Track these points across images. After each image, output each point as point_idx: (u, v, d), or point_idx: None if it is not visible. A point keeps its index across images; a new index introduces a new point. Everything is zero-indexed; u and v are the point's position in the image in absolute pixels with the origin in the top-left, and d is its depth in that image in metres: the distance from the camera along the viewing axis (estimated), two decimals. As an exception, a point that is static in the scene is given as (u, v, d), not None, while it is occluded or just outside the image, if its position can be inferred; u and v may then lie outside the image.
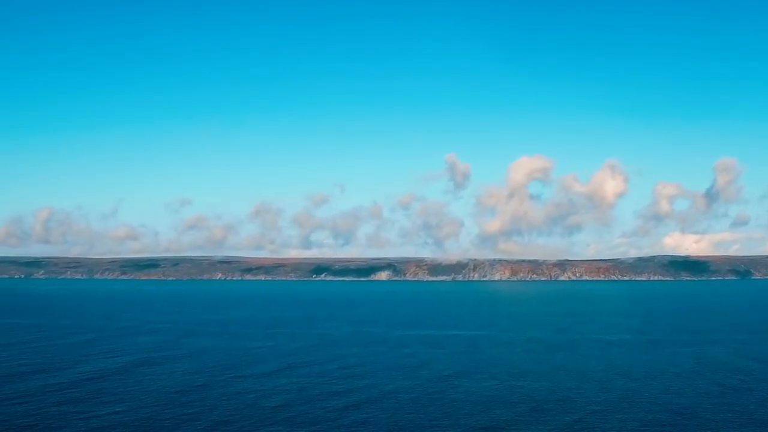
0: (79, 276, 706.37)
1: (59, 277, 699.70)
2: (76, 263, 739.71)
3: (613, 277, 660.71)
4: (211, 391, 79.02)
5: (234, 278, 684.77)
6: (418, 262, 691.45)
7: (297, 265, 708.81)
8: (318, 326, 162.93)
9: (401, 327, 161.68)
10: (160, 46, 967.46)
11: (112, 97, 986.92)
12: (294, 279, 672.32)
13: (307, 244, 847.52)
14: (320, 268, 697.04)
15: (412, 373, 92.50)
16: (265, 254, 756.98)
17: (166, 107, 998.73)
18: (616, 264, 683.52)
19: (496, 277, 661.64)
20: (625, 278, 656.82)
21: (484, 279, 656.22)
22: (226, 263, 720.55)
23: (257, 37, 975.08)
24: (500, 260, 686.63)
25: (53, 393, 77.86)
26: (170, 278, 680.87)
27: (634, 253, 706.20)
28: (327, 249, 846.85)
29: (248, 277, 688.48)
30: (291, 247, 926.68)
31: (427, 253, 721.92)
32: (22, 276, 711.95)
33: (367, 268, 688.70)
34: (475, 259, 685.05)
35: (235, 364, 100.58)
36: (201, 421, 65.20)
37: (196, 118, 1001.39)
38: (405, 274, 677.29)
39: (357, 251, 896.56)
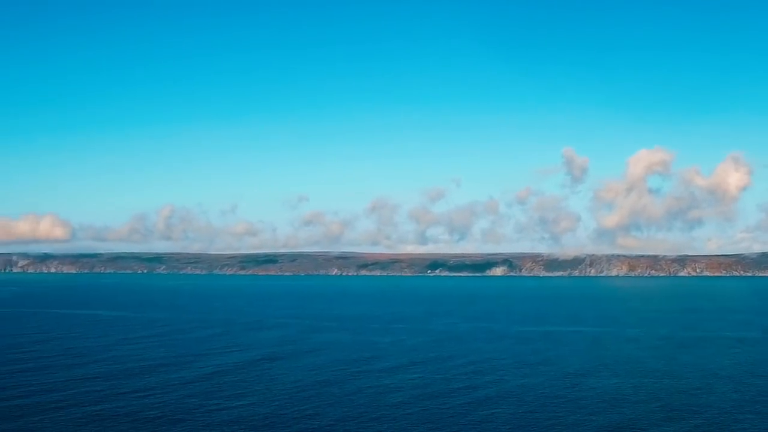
0: (198, 271, 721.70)
1: (180, 272, 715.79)
2: (196, 259, 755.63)
3: (735, 273, 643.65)
4: (332, 387, 78.94)
5: (350, 274, 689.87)
6: (535, 258, 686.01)
7: (412, 261, 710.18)
8: (436, 322, 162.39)
9: (521, 323, 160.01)
10: (273, 42, 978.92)
11: (231, 96, 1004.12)
12: (409, 274, 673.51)
13: (422, 239, 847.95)
14: (436, 263, 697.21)
15: (534, 370, 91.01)
16: (381, 250, 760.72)
17: (282, 105, 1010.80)
18: (739, 259, 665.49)
19: (613, 273, 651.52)
20: (748, 274, 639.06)
21: (601, 274, 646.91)
22: (343, 259, 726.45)
23: (367, 33, 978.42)
24: (618, 255, 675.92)
25: (178, 386, 78.93)
26: (287, 273, 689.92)
27: (757, 248, 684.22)
28: (442, 244, 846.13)
29: (364, 272, 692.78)
30: (407, 242, 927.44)
31: (544, 249, 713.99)
32: (145, 271, 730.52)
33: (483, 264, 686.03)
34: (592, 255, 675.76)
35: (356, 359, 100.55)
36: (322, 417, 65.07)
37: (312, 114, 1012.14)
38: (521, 270, 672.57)
39: (472, 246, 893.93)
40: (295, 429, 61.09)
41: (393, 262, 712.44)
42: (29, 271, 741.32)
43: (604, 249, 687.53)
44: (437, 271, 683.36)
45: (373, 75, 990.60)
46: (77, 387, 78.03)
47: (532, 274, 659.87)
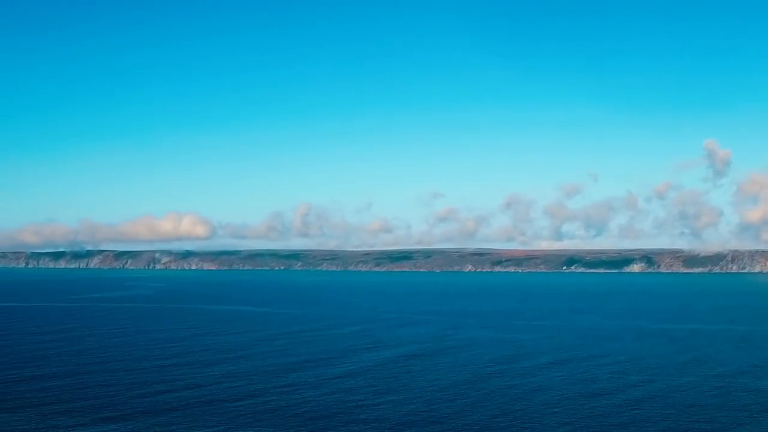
0: (334, 268, 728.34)
1: (315, 269, 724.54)
2: (332, 256, 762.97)
3: None
4: (474, 387, 77.71)
5: (484, 270, 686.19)
6: (674, 254, 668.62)
7: (547, 257, 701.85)
8: (578, 319, 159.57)
9: (665, 320, 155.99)
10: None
11: (366, 94, 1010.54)
12: (544, 271, 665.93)
13: (558, 235, 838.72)
14: (571, 259, 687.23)
15: (683, 370, 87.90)
16: (515, 246, 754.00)
17: (418, 101, 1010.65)
18: None
19: (756, 269, 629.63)
20: None
21: (743, 271, 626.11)
22: (477, 255, 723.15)
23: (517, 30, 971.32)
24: (762, 251, 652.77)
25: (321, 383, 78.96)
26: (421, 270, 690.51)
27: None
28: (578, 240, 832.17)
29: (498, 269, 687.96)
30: (542, 238, 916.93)
31: (683, 244, 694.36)
32: (282, 268, 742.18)
33: (620, 260, 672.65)
34: (734, 250, 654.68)
35: (499, 357, 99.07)
36: (464, 418, 63.94)
37: (447, 110, 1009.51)
38: (659, 266, 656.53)
39: (609, 242, 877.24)
40: (435, 430, 60.13)
41: (528, 258, 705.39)
42: (171, 268, 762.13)
43: (747, 244, 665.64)
44: (572, 267, 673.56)
45: (509, 70, 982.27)
46: (222, 382, 78.92)
47: (670, 271, 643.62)
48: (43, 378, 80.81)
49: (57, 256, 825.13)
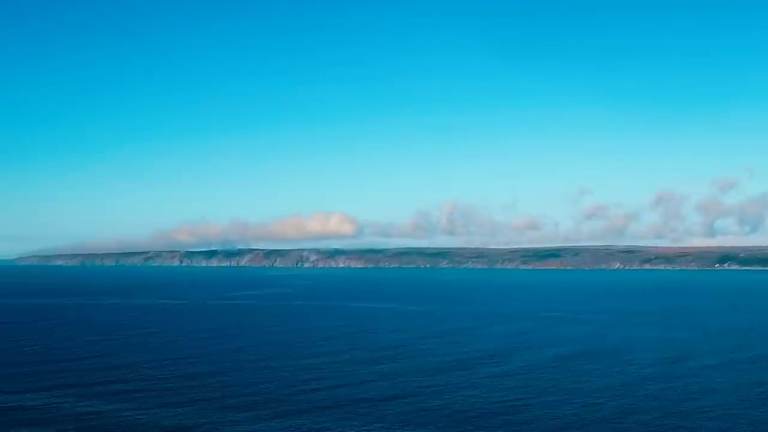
0: (480, 266, 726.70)
1: (461, 267, 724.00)
2: (477, 254, 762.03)
3: None
4: (634, 388, 74.93)
5: (632, 268, 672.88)
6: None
7: (699, 254, 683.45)
8: (738, 318, 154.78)
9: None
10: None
11: (511, 92, 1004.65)
12: (695, 268, 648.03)
13: (710, 231, 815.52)
14: (725, 256, 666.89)
15: None
16: (665, 243, 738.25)
17: (560, 98, 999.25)
18: None
19: None
20: None
21: None
22: (626, 253, 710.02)
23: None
24: None
25: (478, 382, 77.76)
26: (568, 268, 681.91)
27: None
28: (732, 237, 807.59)
29: (647, 266, 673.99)
30: (693, 235, 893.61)
31: None
32: (428, 266, 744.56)
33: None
34: None
35: (659, 358, 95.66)
36: (624, 420, 61.81)
37: (592, 107, 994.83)
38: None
39: (765, 239, 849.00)
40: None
41: (679, 256, 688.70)
42: (319, 266, 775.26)
43: None
44: (726, 264, 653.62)
45: (661, 69, 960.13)
46: (372, 382, 78.64)
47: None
48: (200, 375, 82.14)
49: (209, 254, 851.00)
